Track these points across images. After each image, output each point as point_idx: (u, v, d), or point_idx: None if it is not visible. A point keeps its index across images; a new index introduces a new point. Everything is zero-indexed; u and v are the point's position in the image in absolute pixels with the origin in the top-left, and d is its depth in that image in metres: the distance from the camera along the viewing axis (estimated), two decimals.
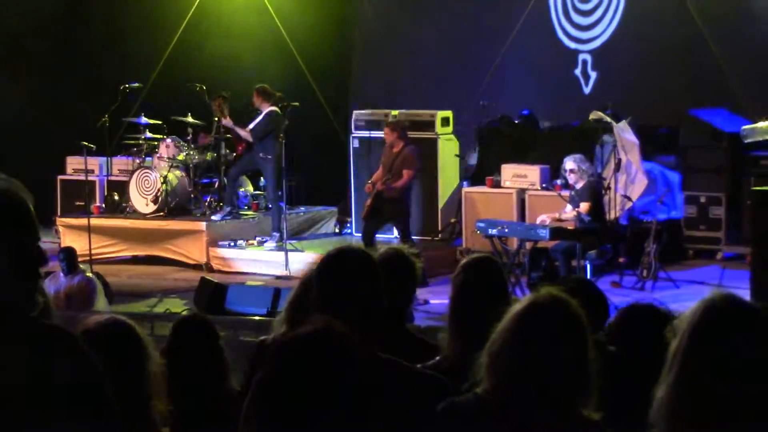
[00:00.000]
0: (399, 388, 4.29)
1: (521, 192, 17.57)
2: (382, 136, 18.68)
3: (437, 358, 5.47)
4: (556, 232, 15.42)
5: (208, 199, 18.94)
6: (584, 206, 15.30)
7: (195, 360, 6.09)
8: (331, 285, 4.77)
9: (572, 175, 15.60)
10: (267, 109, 18.16)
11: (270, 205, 18.75)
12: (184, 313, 12.63)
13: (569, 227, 15.42)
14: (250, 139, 18.30)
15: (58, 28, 20.13)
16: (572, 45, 20.56)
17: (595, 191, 15.63)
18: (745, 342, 3.21)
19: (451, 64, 20.90)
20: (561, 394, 3.98)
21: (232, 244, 18.25)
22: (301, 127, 19.37)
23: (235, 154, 18.89)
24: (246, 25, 21.11)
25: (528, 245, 15.84)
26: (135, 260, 18.91)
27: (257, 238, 18.38)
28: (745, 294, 10.86)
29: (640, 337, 5.55)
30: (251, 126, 18.31)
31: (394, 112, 18.96)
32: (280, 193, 18.41)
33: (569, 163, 15.68)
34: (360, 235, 18.18)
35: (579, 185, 15.53)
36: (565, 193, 16.23)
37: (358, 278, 4.75)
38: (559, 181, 16.95)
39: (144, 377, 4.44)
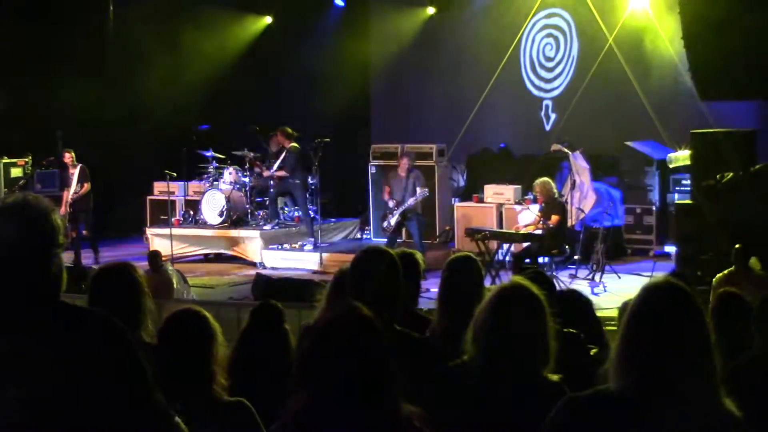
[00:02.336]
0: (407, 353, 4.27)
1: (499, 206, 17.53)
2: (393, 163, 18.72)
3: (427, 333, 5.45)
4: (527, 237, 15.38)
5: (261, 213, 18.95)
6: (554, 218, 15.24)
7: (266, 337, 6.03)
8: (362, 275, 4.75)
9: (540, 195, 15.55)
10: (288, 145, 18.21)
11: (302, 218, 18.77)
12: (248, 300, 12.65)
13: (536, 233, 15.37)
14: (285, 174, 18.32)
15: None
16: (537, 93, 20.58)
17: (563, 207, 15.58)
18: (672, 315, 3.21)
19: (445, 108, 20.92)
20: (527, 359, 3.97)
21: (280, 247, 18.24)
22: (332, 157, 19.37)
23: (271, 181, 18.89)
24: (287, 77, 21.18)
25: (505, 246, 15.79)
26: (206, 259, 18.91)
27: (299, 243, 18.38)
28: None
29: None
30: (277, 164, 18.34)
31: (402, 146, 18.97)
32: (310, 207, 18.42)
33: (541, 184, 15.63)
34: (377, 239, 18.23)
35: (548, 200, 15.46)
36: (534, 206, 16.19)
37: (382, 271, 4.73)
38: (528, 197, 16.90)
39: (211, 356, 4.40)
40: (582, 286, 14.66)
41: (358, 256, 4.86)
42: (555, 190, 15.71)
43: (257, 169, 18.90)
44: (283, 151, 18.35)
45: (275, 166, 18.40)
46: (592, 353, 5.49)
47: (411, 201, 16.59)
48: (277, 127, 18.64)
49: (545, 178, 15.78)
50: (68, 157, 18.03)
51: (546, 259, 15.21)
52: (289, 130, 18.32)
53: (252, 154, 19.02)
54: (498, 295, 4.04)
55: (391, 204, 16.71)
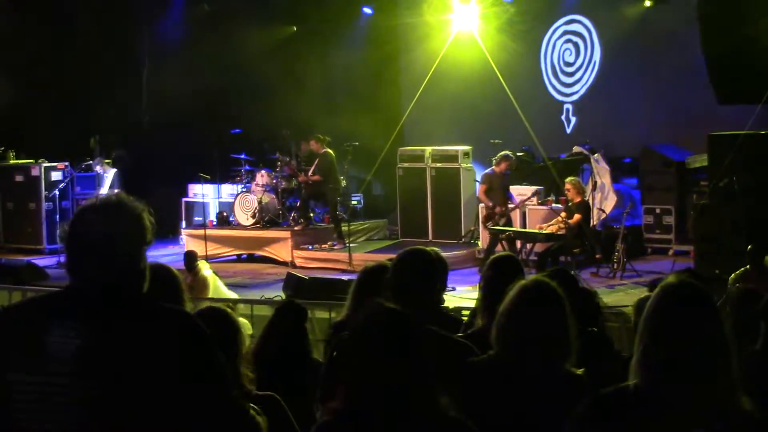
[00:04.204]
0: (438, 349, 4.31)
1: (523, 206, 17.52)
2: (418, 165, 18.77)
3: (473, 329, 5.48)
4: (550, 236, 15.40)
5: (292, 215, 19.01)
6: (576, 217, 15.23)
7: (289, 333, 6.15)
8: (402, 275, 4.79)
9: (570, 192, 15.50)
10: (321, 151, 18.28)
11: (332, 219, 18.84)
12: (279, 298, 12.72)
13: (560, 232, 15.37)
14: (318, 179, 18.39)
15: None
16: (558, 97, 20.61)
17: (587, 207, 15.55)
18: (688, 313, 3.21)
19: (470, 112, 20.94)
20: (550, 354, 3.99)
21: (310, 247, 18.31)
22: (362, 160, 19.43)
23: (302, 184, 18.95)
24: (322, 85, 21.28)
25: (528, 246, 15.81)
26: (239, 259, 19.00)
27: (328, 243, 18.45)
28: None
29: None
30: (312, 170, 18.43)
31: (429, 150, 18.98)
32: (340, 208, 18.48)
33: (574, 182, 15.60)
34: (406, 239, 18.30)
35: (576, 200, 15.42)
36: (557, 207, 16.17)
37: (421, 271, 4.79)
38: (550, 197, 16.89)
39: (236, 350, 4.47)
40: (603, 284, 14.70)
41: (401, 256, 4.89)
42: (584, 189, 15.70)
43: (288, 171, 18.97)
44: (317, 157, 18.44)
45: (311, 171, 18.48)
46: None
47: (519, 202, 16.53)
48: (307, 133, 18.72)
49: (576, 177, 15.80)
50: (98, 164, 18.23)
51: (569, 258, 15.23)
52: (321, 136, 18.41)
53: (288, 158, 19.09)
54: (519, 293, 4.07)
55: (491, 204, 16.37)
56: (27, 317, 3.17)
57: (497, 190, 16.48)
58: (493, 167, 16.79)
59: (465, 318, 6.78)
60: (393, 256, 5.09)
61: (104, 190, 17.92)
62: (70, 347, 3.04)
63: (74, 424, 3.01)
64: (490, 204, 16.38)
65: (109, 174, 17.92)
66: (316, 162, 18.43)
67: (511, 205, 16.48)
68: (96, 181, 19.46)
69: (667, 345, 3.19)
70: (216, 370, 3.20)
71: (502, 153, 16.90)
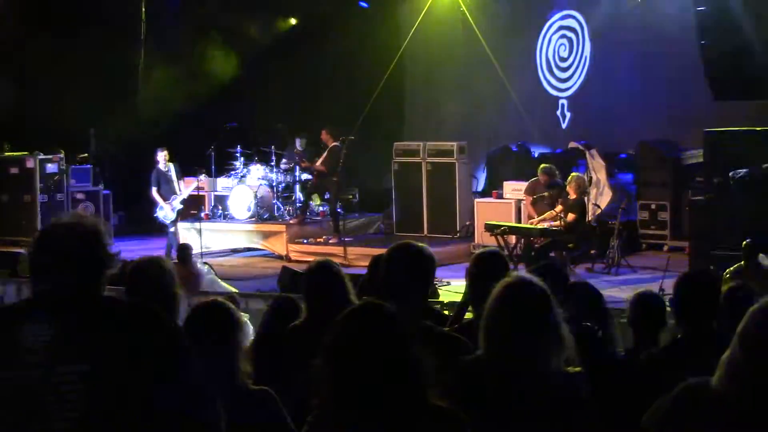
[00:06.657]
0: (432, 346, 4.27)
1: (518, 202, 17.45)
2: (413, 160, 18.73)
3: (459, 325, 5.43)
4: (544, 232, 15.35)
5: (288, 209, 18.99)
6: (571, 216, 15.15)
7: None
8: (395, 269, 4.74)
9: (570, 187, 15.39)
10: (332, 144, 18.24)
11: (329, 212, 18.81)
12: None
13: (554, 228, 15.32)
14: (324, 170, 18.35)
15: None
16: (553, 92, 20.56)
17: (584, 205, 15.47)
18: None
19: (467, 107, 20.91)
20: (536, 352, 3.91)
21: (305, 241, 18.28)
22: (357, 154, 19.40)
23: (310, 178, 18.92)
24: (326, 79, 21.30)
25: (523, 241, 15.77)
26: (234, 253, 18.97)
27: (324, 237, 18.42)
28: None
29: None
30: (320, 161, 18.37)
31: (424, 144, 18.95)
32: (338, 204, 18.46)
33: (578, 178, 15.48)
34: (400, 234, 18.27)
35: (572, 197, 15.33)
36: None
37: (410, 267, 4.73)
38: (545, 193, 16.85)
39: (236, 345, 4.44)
40: (598, 280, 14.67)
41: (390, 252, 4.83)
42: (585, 187, 15.60)
43: (285, 164, 18.98)
44: (326, 149, 18.41)
45: (319, 162, 18.45)
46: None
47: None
48: (301, 127, 18.69)
49: (580, 174, 15.72)
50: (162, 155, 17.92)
51: (563, 252, 15.19)
52: (334, 129, 18.38)
53: (279, 152, 19.05)
54: (502, 290, 4.00)
55: (535, 216, 15.91)
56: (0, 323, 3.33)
57: (541, 200, 16.08)
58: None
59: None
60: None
61: (174, 182, 17.77)
62: (45, 338, 3.17)
63: (51, 414, 3.11)
64: (535, 215, 16.05)
65: (171, 169, 17.81)
66: (324, 154, 18.39)
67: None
68: (91, 173, 19.38)
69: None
70: (174, 352, 3.33)
71: (541, 165, 16.48)
